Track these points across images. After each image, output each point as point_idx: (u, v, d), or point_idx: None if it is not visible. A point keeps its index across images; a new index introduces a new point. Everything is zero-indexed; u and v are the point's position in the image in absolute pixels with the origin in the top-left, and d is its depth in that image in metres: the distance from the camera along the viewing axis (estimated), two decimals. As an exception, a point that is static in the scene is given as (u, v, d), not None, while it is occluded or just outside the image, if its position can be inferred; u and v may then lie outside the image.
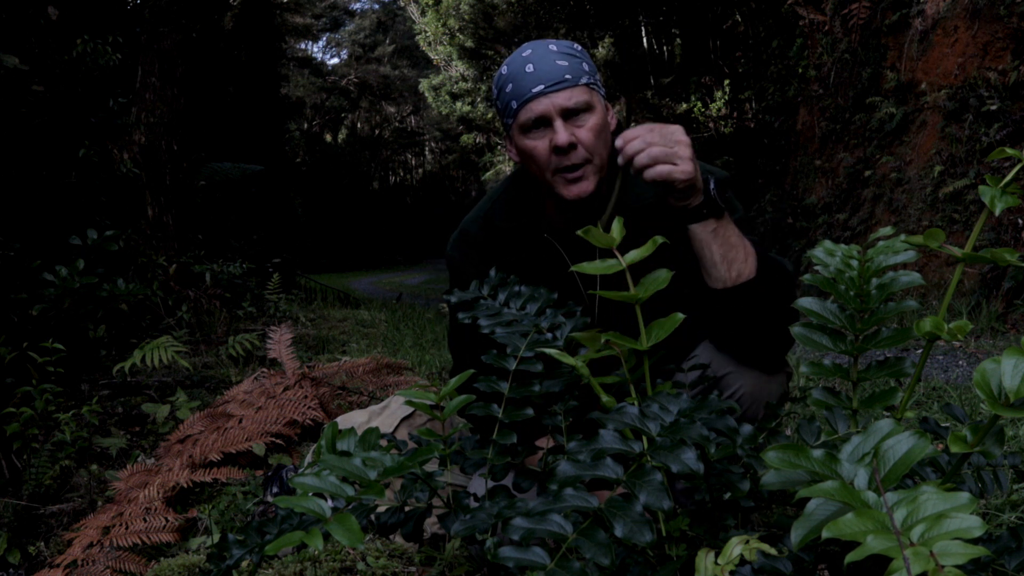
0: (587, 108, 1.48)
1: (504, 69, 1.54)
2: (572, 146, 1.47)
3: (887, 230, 1.14)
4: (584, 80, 1.49)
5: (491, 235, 1.64)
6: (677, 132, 1.33)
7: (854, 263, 1.12)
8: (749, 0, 12.03)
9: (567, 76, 1.47)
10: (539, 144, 1.49)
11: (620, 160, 1.34)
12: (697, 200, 1.35)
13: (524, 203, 1.62)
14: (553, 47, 1.51)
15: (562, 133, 1.46)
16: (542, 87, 1.47)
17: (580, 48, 1.56)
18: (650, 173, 1.31)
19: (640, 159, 1.31)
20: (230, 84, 11.71)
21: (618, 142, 1.34)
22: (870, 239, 1.15)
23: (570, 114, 1.47)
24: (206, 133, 9.21)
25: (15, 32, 4.81)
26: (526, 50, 1.52)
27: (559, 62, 1.48)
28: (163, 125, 6.41)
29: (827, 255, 1.14)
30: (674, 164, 1.31)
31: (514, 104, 1.50)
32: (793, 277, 1.46)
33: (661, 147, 1.31)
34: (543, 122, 1.48)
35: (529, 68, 1.48)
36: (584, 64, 1.51)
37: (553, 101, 1.46)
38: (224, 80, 11.43)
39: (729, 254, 1.37)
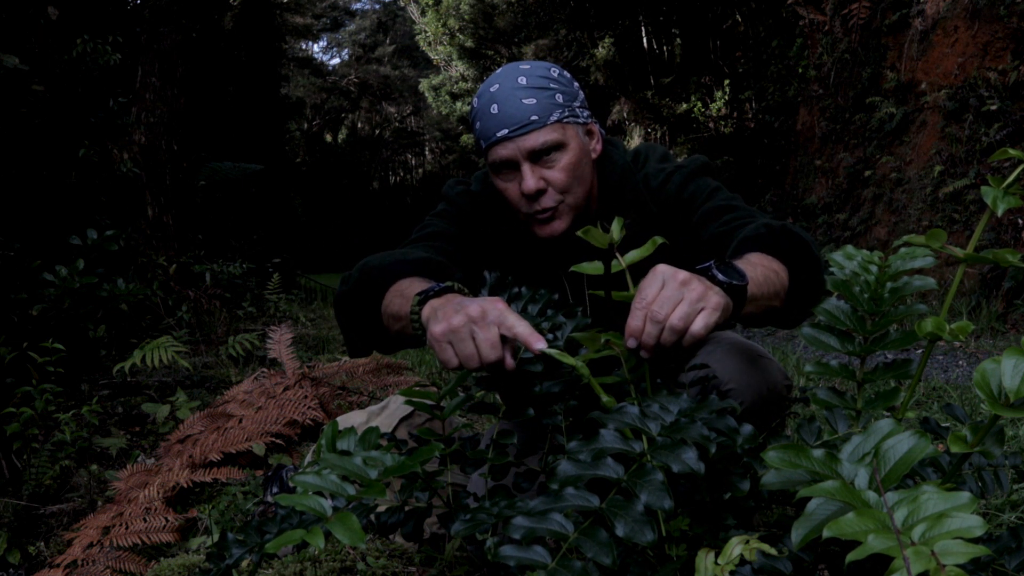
0: (558, 147, 1.38)
1: (475, 102, 1.44)
2: (541, 192, 1.39)
3: (915, 237, 1.12)
4: (555, 117, 1.38)
5: (485, 214, 1.56)
6: (659, 277, 0.99)
7: (872, 268, 1.13)
8: (749, 0, 12.03)
9: (533, 117, 1.36)
10: (509, 187, 1.42)
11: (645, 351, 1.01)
12: (730, 304, 1.05)
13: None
14: (523, 80, 1.39)
15: (529, 179, 1.37)
16: (506, 131, 1.37)
17: (558, 72, 1.44)
18: (697, 335, 0.98)
19: (674, 328, 0.97)
20: (230, 84, 11.71)
21: (629, 343, 1.01)
22: (893, 245, 1.15)
23: (539, 155, 1.38)
24: (206, 133, 9.21)
25: (15, 32, 4.81)
26: (494, 84, 1.42)
27: (525, 101, 1.37)
28: (163, 125, 6.42)
29: (846, 259, 1.15)
30: (703, 306, 0.98)
31: (483, 143, 1.42)
32: (798, 234, 1.24)
33: (682, 306, 0.97)
34: (510, 165, 1.40)
35: (494, 109, 1.39)
36: (557, 95, 1.40)
37: (519, 146, 1.37)
38: (224, 80, 11.42)
39: (770, 288, 1.14)
